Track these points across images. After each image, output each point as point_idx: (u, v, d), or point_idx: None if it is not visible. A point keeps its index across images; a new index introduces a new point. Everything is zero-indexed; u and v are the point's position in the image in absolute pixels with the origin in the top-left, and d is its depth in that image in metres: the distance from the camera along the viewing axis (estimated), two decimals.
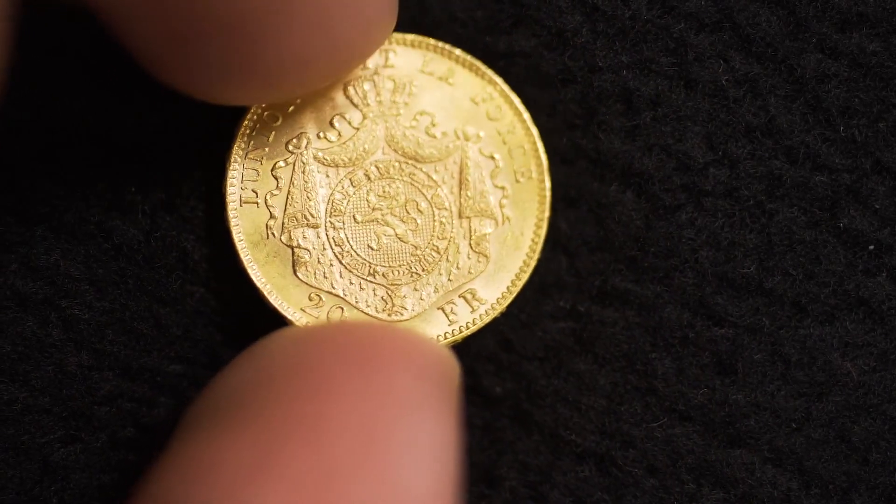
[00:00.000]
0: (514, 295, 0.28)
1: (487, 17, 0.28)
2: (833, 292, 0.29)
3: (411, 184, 0.28)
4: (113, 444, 0.28)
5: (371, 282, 0.27)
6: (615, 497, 0.29)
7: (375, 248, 0.28)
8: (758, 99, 0.28)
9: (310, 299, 0.27)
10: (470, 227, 0.28)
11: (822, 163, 0.29)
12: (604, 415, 0.29)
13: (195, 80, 0.24)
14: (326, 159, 0.27)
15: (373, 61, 0.28)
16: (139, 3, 0.22)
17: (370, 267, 0.27)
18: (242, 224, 0.27)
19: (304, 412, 0.20)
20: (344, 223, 0.27)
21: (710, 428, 0.29)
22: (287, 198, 0.27)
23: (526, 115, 0.28)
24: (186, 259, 0.28)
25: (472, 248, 0.28)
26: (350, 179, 0.28)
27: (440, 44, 0.28)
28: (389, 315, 0.27)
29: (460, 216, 0.28)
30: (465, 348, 0.28)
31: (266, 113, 0.27)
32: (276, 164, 0.27)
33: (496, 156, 0.28)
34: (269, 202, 0.27)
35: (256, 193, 0.27)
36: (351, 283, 0.27)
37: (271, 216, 0.27)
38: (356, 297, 0.27)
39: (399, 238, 0.28)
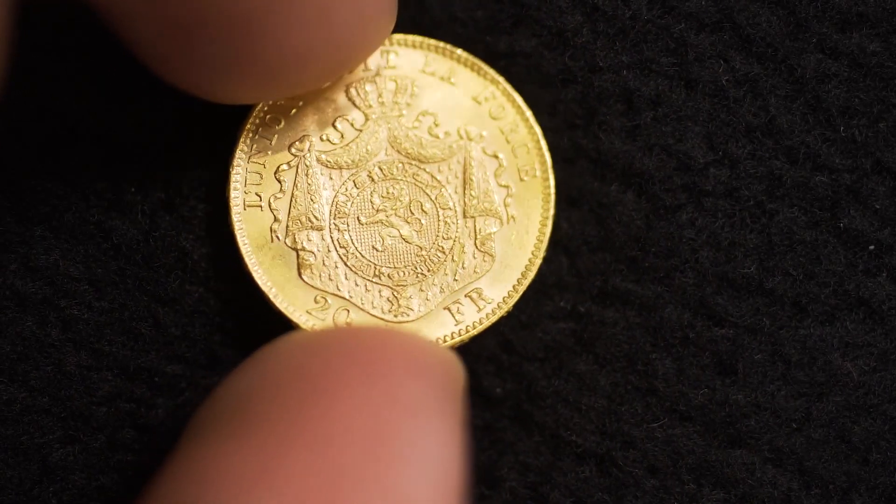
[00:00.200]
0: (521, 293, 0.28)
1: (488, 17, 0.28)
2: (833, 292, 0.29)
3: (415, 184, 0.28)
4: (112, 444, 0.28)
5: (377, 283, 0.27)
6: (616, 497, 0.29)
7: (380, 249, 0.27)
8: (758, 99, 0.28)
9: (315, 302, 0.27)
10: (475, 226, 0.28)
11: (822, 163, 0.29)
12: (604, 415, 0.29)
13: (196, 77, 0.24)
14: (329, 161, 0.27)
15: (374, 62, 0.28)
16: None
17: (375, 268, 0.27)
18: (246, 228, 0.27)
19: (310, 418, 0.20)
20: (348, 225, 0.27)
21: (710, 428, 0.29)
22: (291, 201, 0.27)
23: (528, 114, 0.28)
24: (185, 259, 0.28)
25: (477, 247, 0.28)
26: (353, 181, 0.28)
27: (441, 44, 0.28)
28: (396, 316, 0.27)
29: (465, 216, 0.28)
30: (466, 349, 0.28)
31: (268, 116, 0.27)
32: (279, 167, 0.27)
33: (500, 155, 0.28)
34: (273, 205, 0.27)
35: (260, 197, 0.27)
36: (356, 285, 0.27)
37: (275, 219, 0.27)
38: (362, 299, 0.27)
39: (404, 239, 0.28)
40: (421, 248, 0.28)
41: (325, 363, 0.21)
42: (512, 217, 0.28)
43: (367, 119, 0.28)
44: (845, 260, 0.29)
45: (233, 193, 0.27)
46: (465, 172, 0.28)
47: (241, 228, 0.27)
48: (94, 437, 0.28)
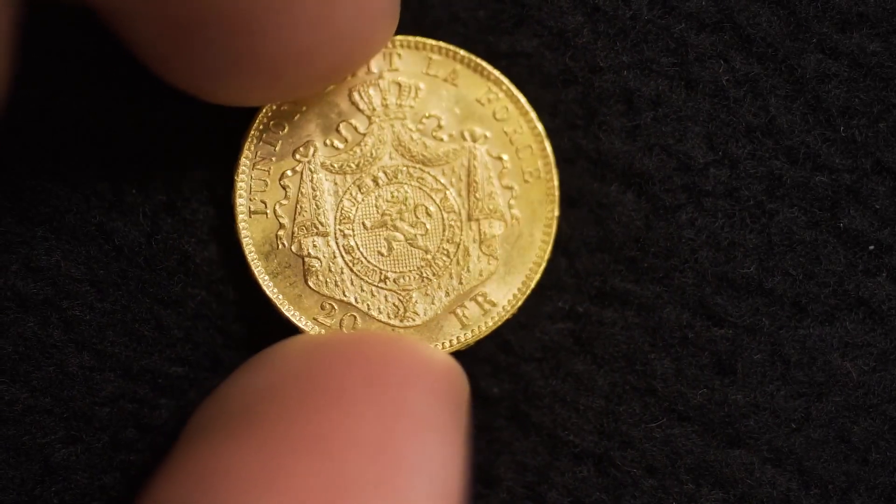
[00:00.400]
0: (526, 296, 0.28)
1: (489, 17, 0.28)
2: (833, 292, 0.29)
3: (419, 188, 0.28)
4: (114, 444, 0.28)
5: (382, 288, 0.27)
6: (613, 497, 0.29)
7: (386, 254, 0.27)
8: (758, 99, 0.28)
9: (322, 308, 0.27)
10: (479, 229, 0.28)
11: (822, 163, 0.29)
12: (602, 415, 0.29)
13: (197, 79, 0.24)
14: (334, 166, 0.27)
15: (377, 65, 0.27)
16: None
17: (381, 273, 0.27)
18: (252, 235, 0.27)
19: (314, 423, 0.20)
20: (353, 230, 0.27)
21: (709, 428, 0.29)
22: (296, 207, 0.27)
23: (532, 115, 0.28)
24: (188, 262, 0.28)
25: (481, 250, 0.28)
26: (358, 186, 0.27)
27: (444, 45, 0.28)
28: (402, 321, 0.27)
29: (469, 218, 0.28)
30: (463, 349, 0.28)
31: (272, 121, 0.27)
32: (283, 173, 0.27)
33: (504, 156, 0.28)
34: (278, 212, 0.27)
35: (265, 204, 0.27)
36: (362, 291, 0.27)
37: (281, 226, 0.27)
38: (368, 305, 0.27)
39: (409, 243, 0.27)
40: (426, 251, 0.28)
41: (332, 369, 0.21)
42: (516, 219, 0.28)
43: (370, 123, 0.27)
44: (845, 260, 0.29)
45: (238, 200, 0.27)
46: (469, 175, 0.28)
47: (247, 236, 0.27)
48: (97, 437, 0.28)
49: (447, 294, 0.28)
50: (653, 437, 0.29)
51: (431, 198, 0.28)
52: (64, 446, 0.28)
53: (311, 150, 0.27)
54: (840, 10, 0.29)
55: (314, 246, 0.27)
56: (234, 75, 0.24)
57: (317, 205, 0.27)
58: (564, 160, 0.28)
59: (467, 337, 0.28)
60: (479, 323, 0.28)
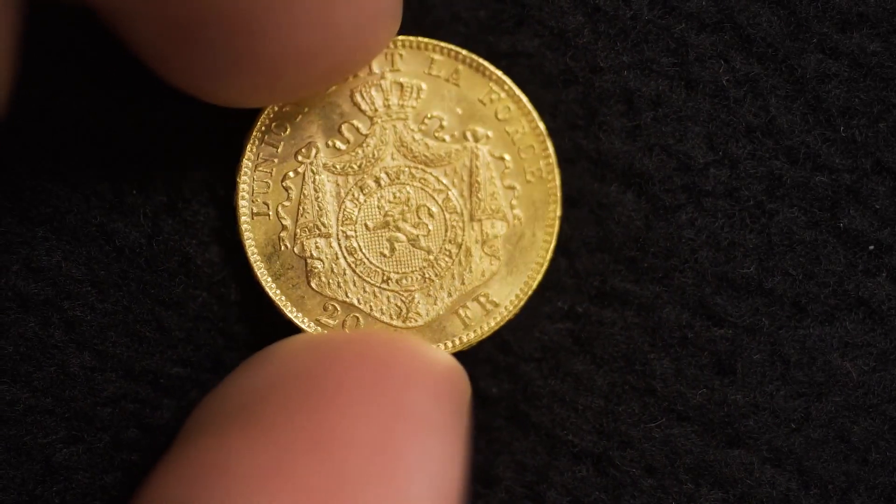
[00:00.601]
0: (528, 296, 0.28)
1: (490, 17, 0.28)
2: (833, 292, 0.29)
3: (422, 188, 0.28)
4: (116, 444, 0.28)
5: (385, 289, 0.27)
6: (613, 497, 0.29)
7: (388, 255, 0.27)
8: (758, 99, 0.28)
9: (325, 309, 0.27)
10: (481, 229, 0.28)
11: (822, 163, 0.29)
12: (601, 415, 0.29)
13: (198, 79, 0.24)
14: (336, 168, 0.27)
15: (378, 66, 0.27)
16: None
17: (383, 274, 0.27)
18: (255, 237, 0.27)
19: (315, 422, 0.20)
20: (356, 231, 0.27)
21: (708, 428, 0.29)
22: (298, 208, 0.27)
23: (534, 115, 0.28)
24: (189, 263, 0.28)
25: (484, 250, 0.28)
26: (360, 187, 0.27)
27: (446, 46, 0.28)
28: (404, 322, 0.27)
29: (471, 219, 0.28)
30: (465, 350, 0.28)
31: (274, 123, 0.27)
32: (285, 174, 0.27)
33: (506, 156, 0.28)
34: (281, 213, 0.27)
35: (267, 205, 0.27)
36: (365, 292, 0.27)
37: (283, 228, 0.27)
38: (371, 306, 0.27)
39: (411, 244, 0.27)
40: (428, 252, 0.28)
41: (334, 367, 0.21)
42: (518, 219, 0.28)
43: (372, 123, 0.27)
44: (845, 260, 0.29)
45: (240, 203, 0.27)
46: (471, 175, 0.28)
47: (249, 237, 0.27)
48: (98, 437, 0.28)
49: (449, 294, 0.28)
50: (652, 437, 0.29)
51: (434, 198, 0.28)
52: (65, 446, 0.28)
53: (314, 151, 0.27)
54: (840, 10, 0.29)
55: (317, 247, 0.27)
56: (235, 76, 0.23)
57: (319, 206, 0.27)
58: (565, 160, 0.28)
59: (469, 337, 0.28)
60: (482, 323, 0.28)
